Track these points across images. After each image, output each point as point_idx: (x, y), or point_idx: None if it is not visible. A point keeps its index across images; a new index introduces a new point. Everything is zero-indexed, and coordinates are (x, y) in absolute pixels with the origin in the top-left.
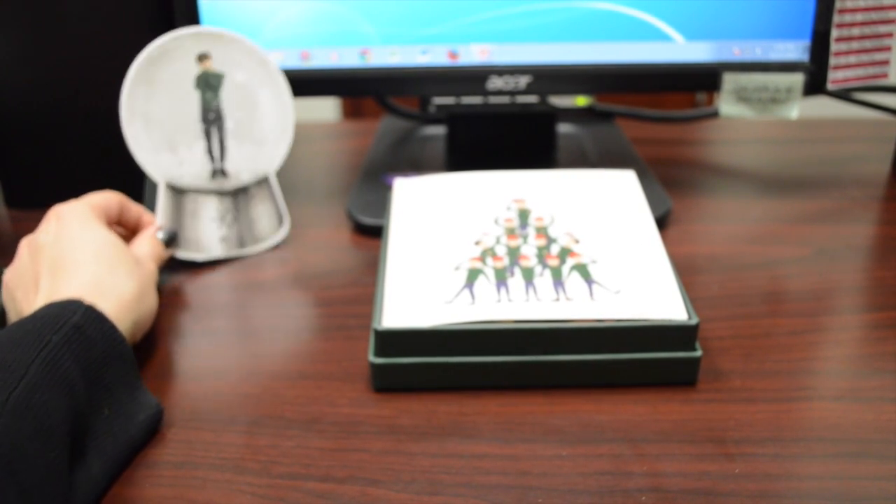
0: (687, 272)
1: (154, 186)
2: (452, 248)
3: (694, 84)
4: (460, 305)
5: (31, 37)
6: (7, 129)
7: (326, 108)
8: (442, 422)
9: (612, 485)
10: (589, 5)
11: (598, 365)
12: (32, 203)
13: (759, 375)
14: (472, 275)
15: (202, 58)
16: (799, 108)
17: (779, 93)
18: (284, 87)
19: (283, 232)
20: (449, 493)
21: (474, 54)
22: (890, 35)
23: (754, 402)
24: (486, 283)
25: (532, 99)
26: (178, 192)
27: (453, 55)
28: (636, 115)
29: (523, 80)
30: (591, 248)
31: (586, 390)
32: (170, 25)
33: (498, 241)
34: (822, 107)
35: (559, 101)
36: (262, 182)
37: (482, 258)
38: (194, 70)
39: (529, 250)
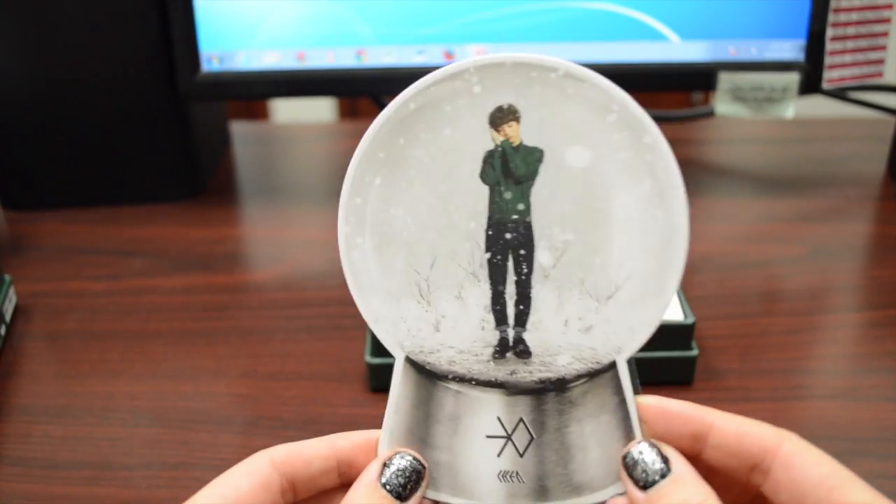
0: (683, 271)
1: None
2: None
3: (690, 83)
4: None
5: (29, 36)
6: (4, 130)
7: (322, 109)
8: None
9: None
10: (584, 5)
11: None
12: (30, 205)
13: (756, 374)
14: None
15: (501, 117)
16: (794, 108)
17: (774, 92)
18: (674, 177)
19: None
20: None
21: (470, 54)
22: (885, 34)
23: (751, 401)
24: None
25: None
26: (427, 377)
27: (449, 55)
28: None
29: None
30: None
31: None
32: (166, 27)
33: None
34: (818, 106)
35: None
36: (603, 376)
37: None
38: (480, 142)
39: None
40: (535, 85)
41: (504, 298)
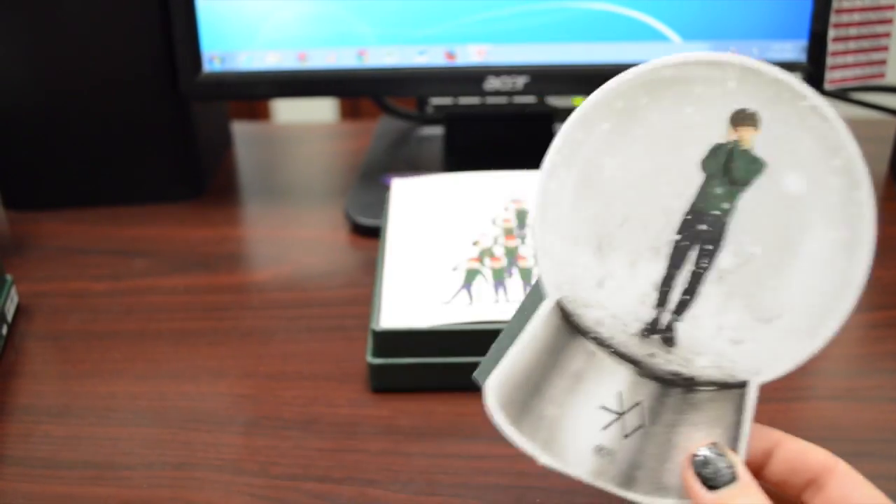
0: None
1: (537, 298)
2: (450, 249)
3: None
4: (458, 306)
5: (31, 37)
6: (5, 130)
7: (324, 109)
8: (440, 422)
9: None
10: (586, 5)
11: None
12: (31, 205)
13: None
14: (470, 275)
15: (742, 119)
16: None
17: None
18: (870, 236)
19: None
20: (447, 493)
21: (471, 55)
22: (887, 35)
23: None
24: (483, 284)
25: (529, 99)
26: (570, 327)
27: (450, 55)
28: None
29: (521, 81)
30: None
31: None
32: (168, 27)
33: (496, 242)
34: None
35: (557, 101)
36: (731, 391)
37: (480, 258)
38: (715, 132)
39: (527, 251)
40: (783, 104)
41: (674, 282)
